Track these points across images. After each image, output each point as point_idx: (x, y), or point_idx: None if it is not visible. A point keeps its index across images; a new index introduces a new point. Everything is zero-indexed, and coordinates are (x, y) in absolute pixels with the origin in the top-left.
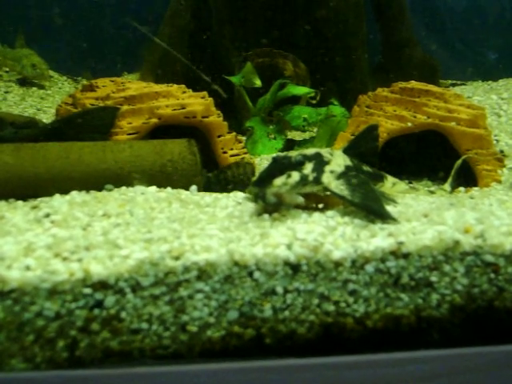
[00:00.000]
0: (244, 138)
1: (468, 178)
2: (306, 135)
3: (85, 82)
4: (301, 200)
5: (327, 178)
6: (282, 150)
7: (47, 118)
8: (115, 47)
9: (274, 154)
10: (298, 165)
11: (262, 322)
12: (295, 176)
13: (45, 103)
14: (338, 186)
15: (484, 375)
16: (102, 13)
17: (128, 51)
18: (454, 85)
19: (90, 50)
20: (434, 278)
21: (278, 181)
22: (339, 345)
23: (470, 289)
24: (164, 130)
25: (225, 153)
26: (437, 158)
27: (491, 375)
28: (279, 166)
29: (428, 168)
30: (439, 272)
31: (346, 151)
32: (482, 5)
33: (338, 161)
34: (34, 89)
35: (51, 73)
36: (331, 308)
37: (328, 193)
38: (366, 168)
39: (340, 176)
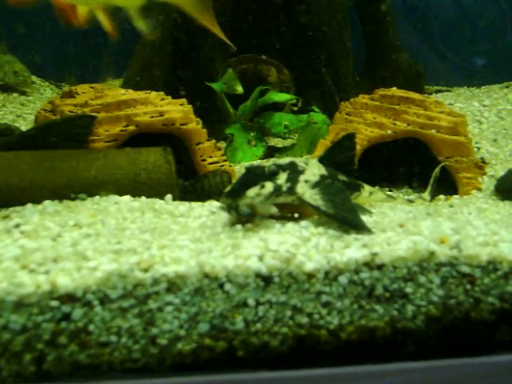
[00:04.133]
0: (224, 145)
1: (448, 185)
2: (287, 142)
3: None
4: (274, 210)
5: (301, 188)
6: (262, 158)
7: (26, 124)
8: (101, 53)
9: (248, 164)
10: (271, 175)
11: (234, 334)
12: (269, 186)
13: (25, 109)
14: (312, 196)
15: None
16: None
17: (114, 57)
18: (438, 91)
19: (74, 55)
20: (408, 290)
21: (251, 191)
22: (313, 357)
23: (445, 300)
24: (143, 136)
25: (204, 160)
26: (418, 165)
27: None
28: (252, 177)
29: (409, 176)
30: (414, 283)
31: (322, 160)
32: (470, 11)
33: (313, 170)
34: (15, 95)
35: (34, 78)
36: (304, 320)
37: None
38: (341, 177)
39: (315, 186)
